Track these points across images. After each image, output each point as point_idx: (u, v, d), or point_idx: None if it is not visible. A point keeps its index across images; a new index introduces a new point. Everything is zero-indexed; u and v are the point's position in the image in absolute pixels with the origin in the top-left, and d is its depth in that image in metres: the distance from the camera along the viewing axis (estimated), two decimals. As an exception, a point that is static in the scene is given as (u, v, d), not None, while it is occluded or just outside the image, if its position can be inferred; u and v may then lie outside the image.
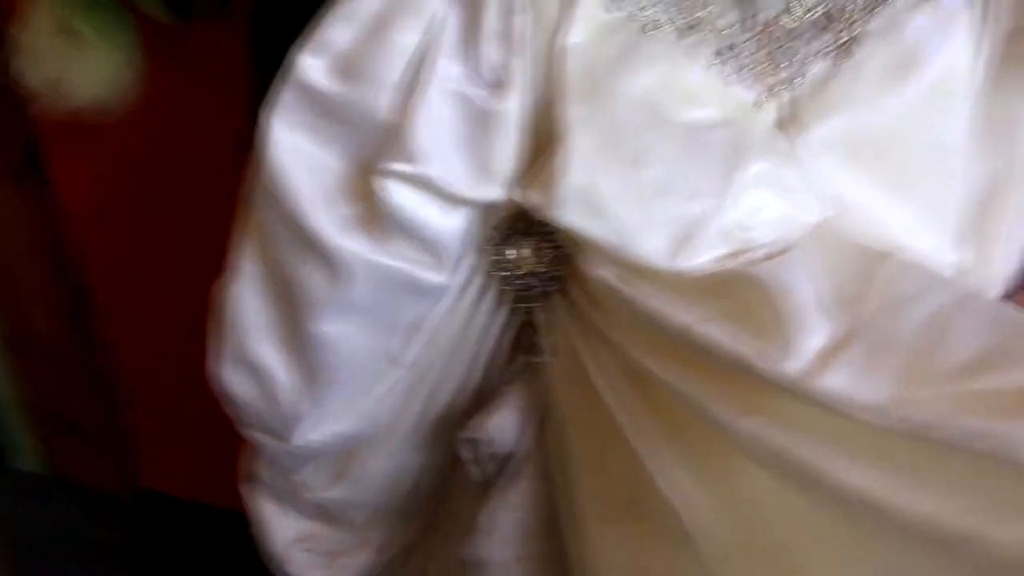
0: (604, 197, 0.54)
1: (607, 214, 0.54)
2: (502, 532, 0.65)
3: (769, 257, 0.54)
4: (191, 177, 1.06)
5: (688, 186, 0.55)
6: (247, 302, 0.62)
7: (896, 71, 0.58)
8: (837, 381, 0.48)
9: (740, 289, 0.53)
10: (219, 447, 1.05)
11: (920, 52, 0.58)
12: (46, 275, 1.25)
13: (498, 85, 0.57)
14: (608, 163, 0.55)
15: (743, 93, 0.60)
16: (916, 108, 0.58)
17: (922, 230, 0.59)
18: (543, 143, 0.57)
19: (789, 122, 0.59)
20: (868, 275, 0.54)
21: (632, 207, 0.54)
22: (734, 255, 0.55)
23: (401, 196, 0.56)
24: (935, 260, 0.59)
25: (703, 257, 0.54)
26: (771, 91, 0.60)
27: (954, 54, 0.58)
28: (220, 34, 0.87)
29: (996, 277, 0.64)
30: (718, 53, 0.59)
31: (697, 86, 0.59)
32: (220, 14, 0.87)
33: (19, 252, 1.23)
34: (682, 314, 0.52)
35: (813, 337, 0.50)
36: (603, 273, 0.56)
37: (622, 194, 0.54)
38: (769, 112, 0.60)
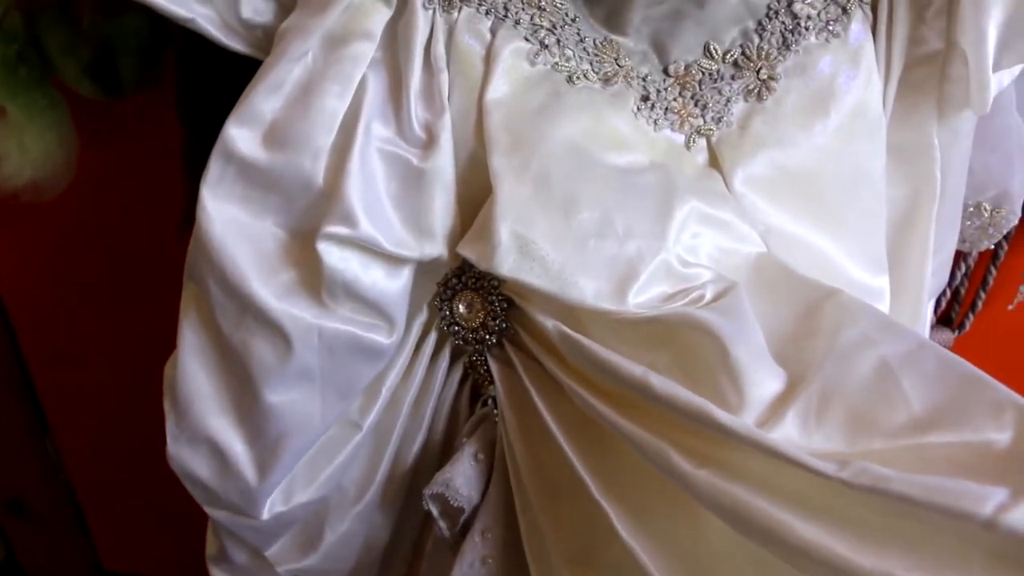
0: (539, 244, 0.54)
1: (543, 261, 0.54)
2: (474, 585, 0.65)
3: (717, 296, 0.55)
4: (132, 250, 1.05)
5: (623, 227, 0.55)
6: (195, 377, 0.61)
7: (813, 106, 0.60)
8: (790, 431, 0.49)
9: (690, 336, 0.53)
10: (179, 524, 1.04)
11: (834, 87, 0.60)
12: None
13: (427, 144, 0.58)
14: (541, 209, 0.55)
15: (672, 136, 0.61)
16: (835, 141, 0.60)
17: (848, 260, 0.61)
18: (480, 197, 0.58)
19: (718, 162, 0.61)
20: (814, 313, 0.54)
21: (568, 252, 0.55)
22: (680, 294, 0.55)
23: (341, 259, 0.56)
24: (864, 288, 0.61)
25: (648, 295, 0.54)
26: (698, 132, 0.61)
27: (864, 87, 0.60)
28: (152, 105, 0.86)
29: (921, 296, 0.66)
30: (644, 99, 0.61)
31: (625, 132, 0.60)
32: (150, 85, 0.87)
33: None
34: (634, 364, 0.52)
35: (766, 385, 0.51)
36: (552, 322, 0.56)
37: (557, 240, 0.55)
38: (699, 152, 0.61)
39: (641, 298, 0.54)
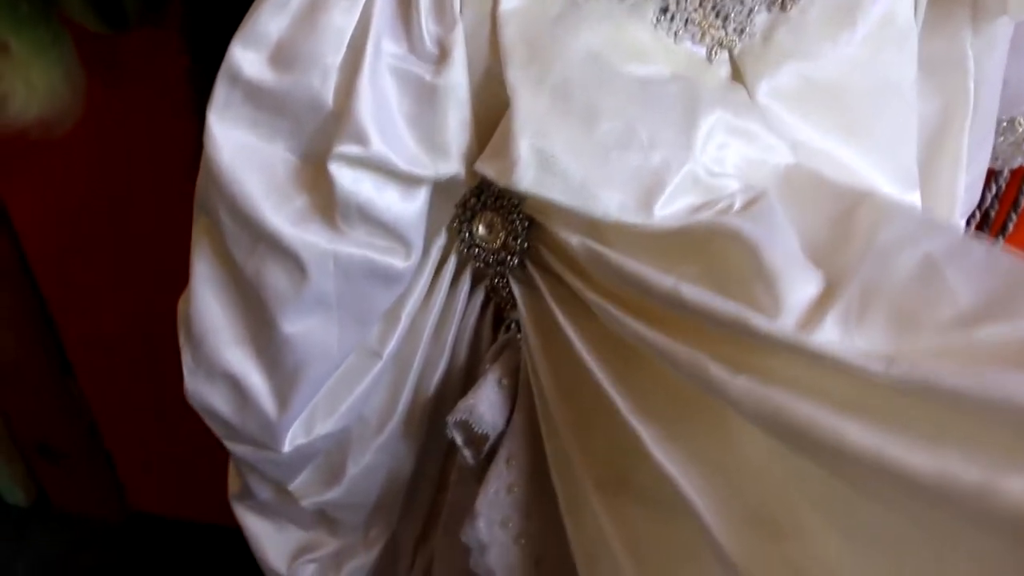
0: (559, 157, 0.52)
1: (565, 174, 0.53)
2: (500, 513, 0.64)
3: (746, 205, 0.53)
4: (144, 189, 1.04)
5: (647, 137, 0.53)
6: (210, 309, 0.60)
7: (840, 15, 0.58)
8: (831, 335, 0.47)
9: (720, 244, 0.51)
10: (203, 463, 1.04)
11: None
12: (11, 303, 1.23)
13: (439, 59, 0.56)
14: (560, 122, 0.53)
15: (693, 48, 0.59)
16: (863, 52, 0.58)
17: (878, 174, 0.59)
18: (496, 114, 0.56)
19: (741, 75, 0.58)
20: (848, 218, 0.52)
21: (590, 164, 0.53)
22: (708, 205, 0.53)
23: (354, 180, 0.55)
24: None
25: (676, 206, 0.53)
26: (720, 45, 0.59)
27: None
28: (157, 41, 0.85)
29: (952, 213, 0.64)
30: (663, 10, 0.58)
31: (644, 44, 0.57)
32: (154, 21, 0.85)
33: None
34: (664, 275, 0.50)
35: (803, 289, 0.49)
36: (576, 238, 0.55)
37: (578, 152, 0.53)
38: (721, 66, 0.59)
39: (668, 210, 0.52)
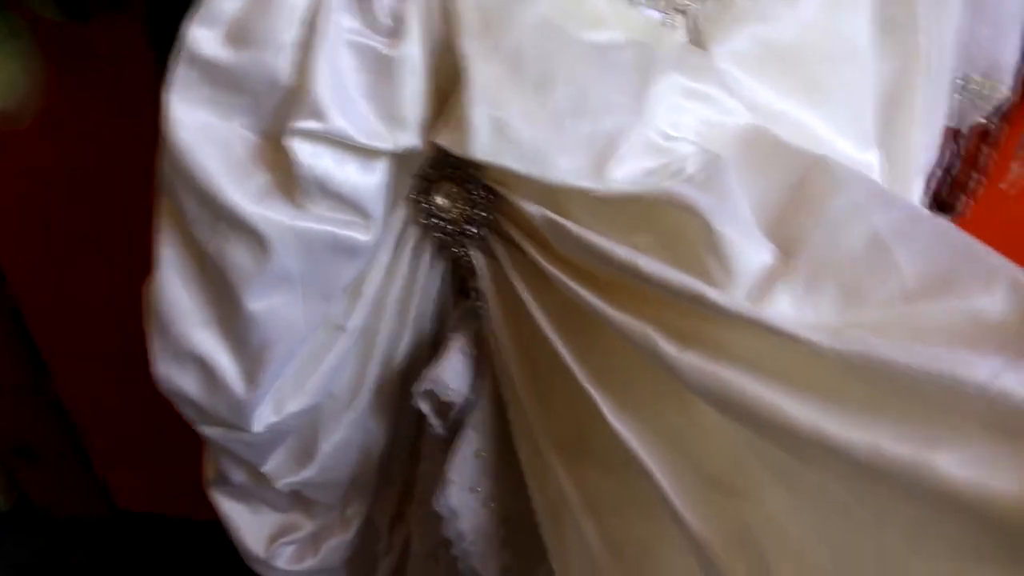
0: (513, 125, 0.53)
1: (520, 142, 0.53)
2: (468, 479, 0.65)
3: (699, 170, 0.53)
4: (110, 180, 1.03)
5: (600, 103, 0.54)
6: (174, 291, 0.60)
7: None
8: (782, 306, 0.48)
9: (673, 215, 0.51)
10: (186, 457, 1.03)
11: None
12: None
13: (395, 32, 0.56)
14: (514, 90, 0.53)
15: (649, 13, 0.59)
16: (819, 14, 0.59)
17: (836, 135, 0.60)
18: (452, 85, 0.56)
19: (699, 39, 0.59)
20: (802, 184, 0.53)
21: (544, 130, 0.53)
22: (662, 168, 0.54)
23: (313, 155, 0.55)
24: (851, 163, 0.59)
25: (628, 170, 0.53)
26: (676, 9, 0.59)
27: None
28: (119, 29, 0.84)
29: (911, 172, 0.65)
30: None
31: (600, 10, 0.58)
32: (116, 9, 0.85)
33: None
34: (621, 246, 0.51)
35: (754, 260, 0.49)
36: (535, 208, 0.55)
37: (532, 119, 0.53)
38: (678, 30, 0.59)
39: (620, 173, 0.53)
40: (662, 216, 0.52)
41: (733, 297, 0.47)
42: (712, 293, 0.47)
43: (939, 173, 0.86)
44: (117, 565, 1.40)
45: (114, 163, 1.01)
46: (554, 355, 0.55)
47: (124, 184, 1.00)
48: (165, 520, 1.42)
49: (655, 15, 0.59)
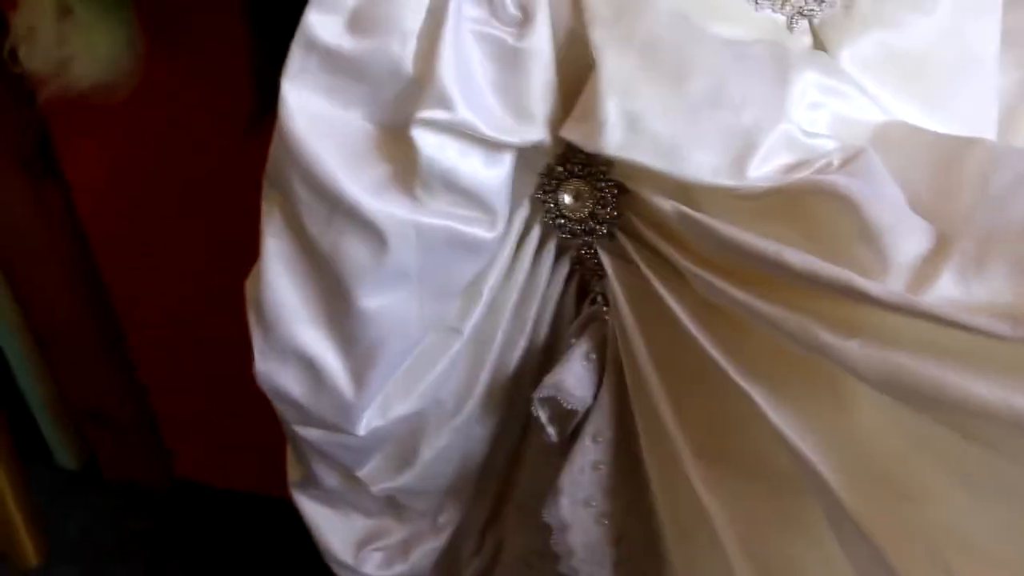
0: (648, 117, 0.50)
1: (654, 136, 0.51)
2: (582, 492, 0.62)
3: (844, 163, 0.50)
4: (201, 155, 1.03)
5: (738, 96, 0.51)
6: (283, 287, 0.58)
7: None
8: (948, 290, 0.45)
9: (817, 203, 0.49)
10: (252, 433, 1.03)
11: None
12: (65, 268, 1.22)
13: (522, 22, 0.54)
14: (648, 82, 0.51)
15: (773, 16, 0.57)
16: (946, 23, 0.57)
17: None
18: (580, 78, 0.54)
19: (821, 44, 0.57)
20: (955, 165, 0.50)
21: (680, 123, 0.51)
22: (803, 165, 0.51)
23: (438, 146, 0.53)
24: None
25: (770, 167, 0.50)
26: (800, 13, 0.57)
27: None
28: (217, 6, 0.83)
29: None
30: None
31: (728, 6, 0.56)
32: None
33: (37, 246, 1.20)
34: (766, 240, 0.48)
35: (913, 245, 0.46)
36: (669, 204, 0.52)
37: (667, 111, 0.51)
38: (802, 34, 0.57)
39: (761, 171, 0.50)
40: (805, 207, 0.50)
41: (888, 287, 0.45)
42: (864, 284, 0.44)
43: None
44: (175, 534, 1.41)
45: (203, 134, 1.01)
46: (697, 358, 0.53)
47: (212, 156, 1.00)
48: (225, 494, 1.43)
49: (780, 18, 0.57)
